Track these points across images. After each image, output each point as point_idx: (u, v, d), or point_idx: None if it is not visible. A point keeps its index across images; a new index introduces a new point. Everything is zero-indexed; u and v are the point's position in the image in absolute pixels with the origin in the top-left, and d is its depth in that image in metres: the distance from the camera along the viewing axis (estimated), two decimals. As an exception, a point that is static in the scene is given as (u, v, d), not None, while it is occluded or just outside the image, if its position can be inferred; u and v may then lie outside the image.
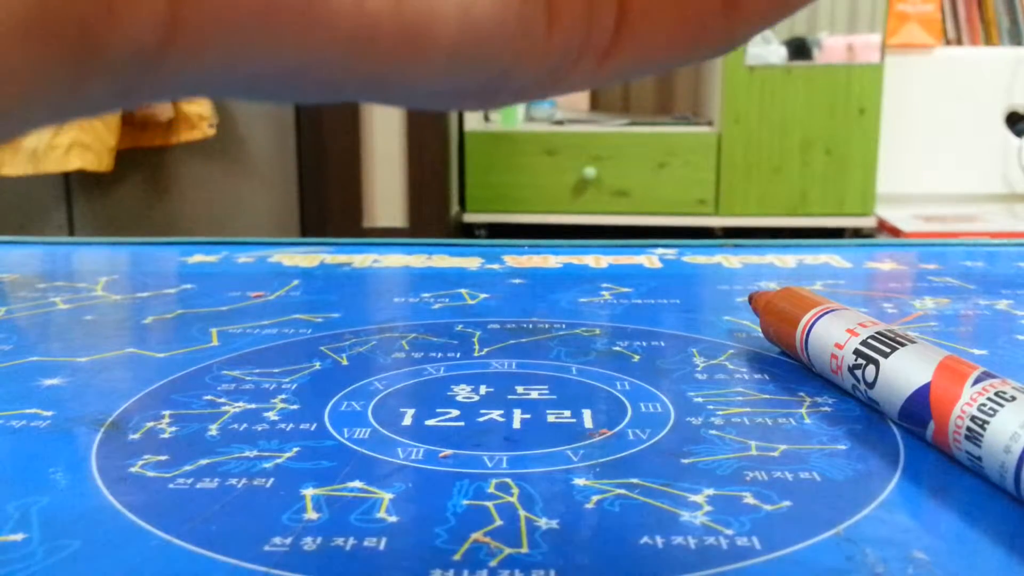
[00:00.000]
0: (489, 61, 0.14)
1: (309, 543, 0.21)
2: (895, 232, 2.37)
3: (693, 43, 0.15)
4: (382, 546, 0.20)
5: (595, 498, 0.23)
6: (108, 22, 0.10)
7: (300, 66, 0.12)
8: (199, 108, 2.08)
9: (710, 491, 0.23)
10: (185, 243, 0.56)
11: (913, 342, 0.27)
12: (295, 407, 0.29)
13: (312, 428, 0.27)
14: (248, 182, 2.28)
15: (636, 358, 0.34)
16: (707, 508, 0.22)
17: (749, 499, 0.23)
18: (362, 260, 0.51)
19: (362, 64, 0.13)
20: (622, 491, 0.23)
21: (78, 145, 1.93)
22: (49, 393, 0.30)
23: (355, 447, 0.26)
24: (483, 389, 0.30)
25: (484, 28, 0.13)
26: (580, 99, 2.90)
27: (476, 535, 0.21)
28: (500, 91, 0.15)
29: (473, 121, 2.57)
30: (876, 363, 0.27)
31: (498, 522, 0.22)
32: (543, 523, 0.21)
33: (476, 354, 0.34)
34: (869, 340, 0.28)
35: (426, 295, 0.43)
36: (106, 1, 0.10)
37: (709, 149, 2.51)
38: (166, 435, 0.27)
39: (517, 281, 0.46)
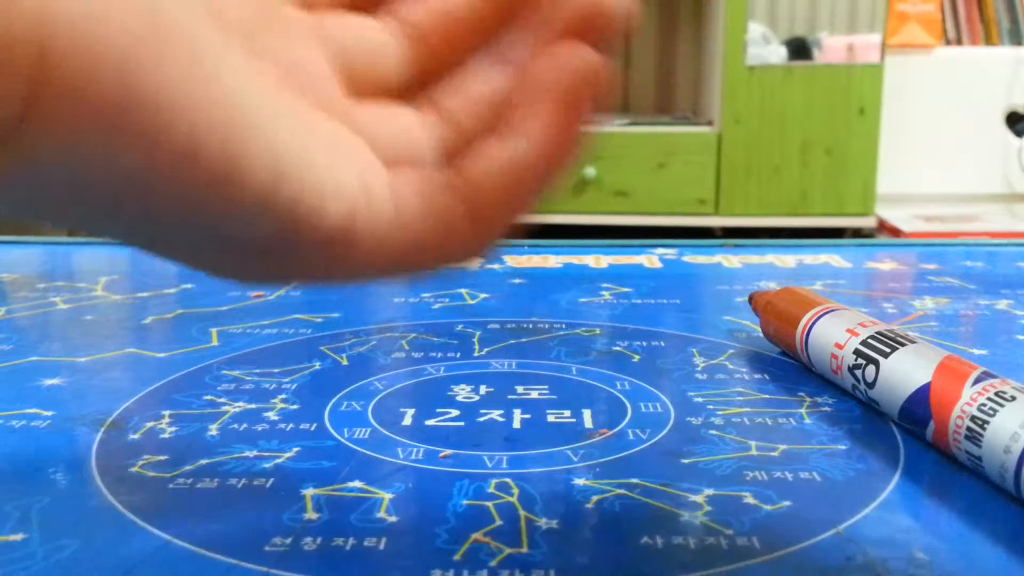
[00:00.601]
0: (289, 213, 0.15)
1: (309, 543, 0.21)
2: (895, 232, 2.37)
3: (445, 249, 0.17)
4: (382, 546, 0.20)
5: (595, 498, 0.23)
6: None
7: (131, 171, 0.13)
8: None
9: (710, 491, 0.23)
10: (185, 243, 0.56)
11: (913, 342, 0.27)
12: (295, 407, 0.29)
13: (312, 428, 0.27)
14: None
15: (636, 358, 0.34)
16: (707, 508, 0.22)
17: (749, 499, 0.23)
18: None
19: (183, 181, 0.14)
20: (622, 491, 0.23)
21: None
22: (49, 393, 0.30)
23: (355, 447, 0.26)
24: (483, 389, 0.30)
25: (295, 178, 0.15)
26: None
27: (476, 535, 0.21)
28: (285, 255, 0.16)
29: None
30: (876, 363, 0.27)
31: (498, 522, 0.22)
32: (543, 523, 0.21)
33: (476, 354, 0.34)
34: (869, 340, 0.28)
35: (426, 295, 0.43)
36: None
37: (709, 149, 2.51)
38: (166, 435, 0.27)
39: (517, 281, 0.46)
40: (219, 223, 0.15)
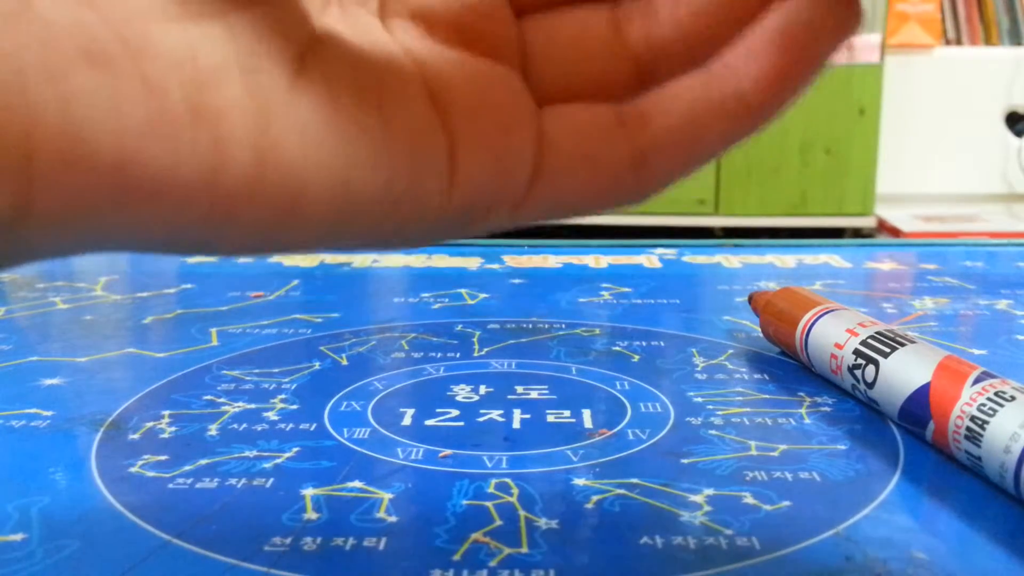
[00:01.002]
0: (377, 224, 0.14)
1: (309, 543, 0.21)
2: (895, 232, 2.37)
3: (604, 196, 0.16)
4: (382, 546, 0.20)
5: (595, 498, 0.23)
6: None
7: (165, 237, 0.12)
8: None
9: (710, 491, 0.23)
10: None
11: (913, 342, 0.27)
12: (295, 407, 0.29)
13: (312, 428, 0.27)
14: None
15: (636, 358, 0.34)
16: (707, 508, 0.22)
17: (749, 499, 0.23)
18: (362, 260, 0.51)
19: (229, 235, 0.13)
20: (622, 491, 0.23)
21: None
22: (49, 393, 0.30)
23: (355, 447, 0.26)
24: (483, 389, 0.30)
25: (366, 196, 0.14)
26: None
27: (476, 535, 0.21)
28: (405, 239, 0.15)
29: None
30: (876, 363, 0.27)
31: (498, 522, 0.22)
32: (543, 523, 0.21)
33: (476, 354, 0.34)
34: (869, 340, 0.28)
35: (426, 295, 0.43)
36: None
37: (709, 149, 2.51)
38: (166, 435, 0.27)
39: (517, 281, 0.46)
40: (298, 246, 0.14)
